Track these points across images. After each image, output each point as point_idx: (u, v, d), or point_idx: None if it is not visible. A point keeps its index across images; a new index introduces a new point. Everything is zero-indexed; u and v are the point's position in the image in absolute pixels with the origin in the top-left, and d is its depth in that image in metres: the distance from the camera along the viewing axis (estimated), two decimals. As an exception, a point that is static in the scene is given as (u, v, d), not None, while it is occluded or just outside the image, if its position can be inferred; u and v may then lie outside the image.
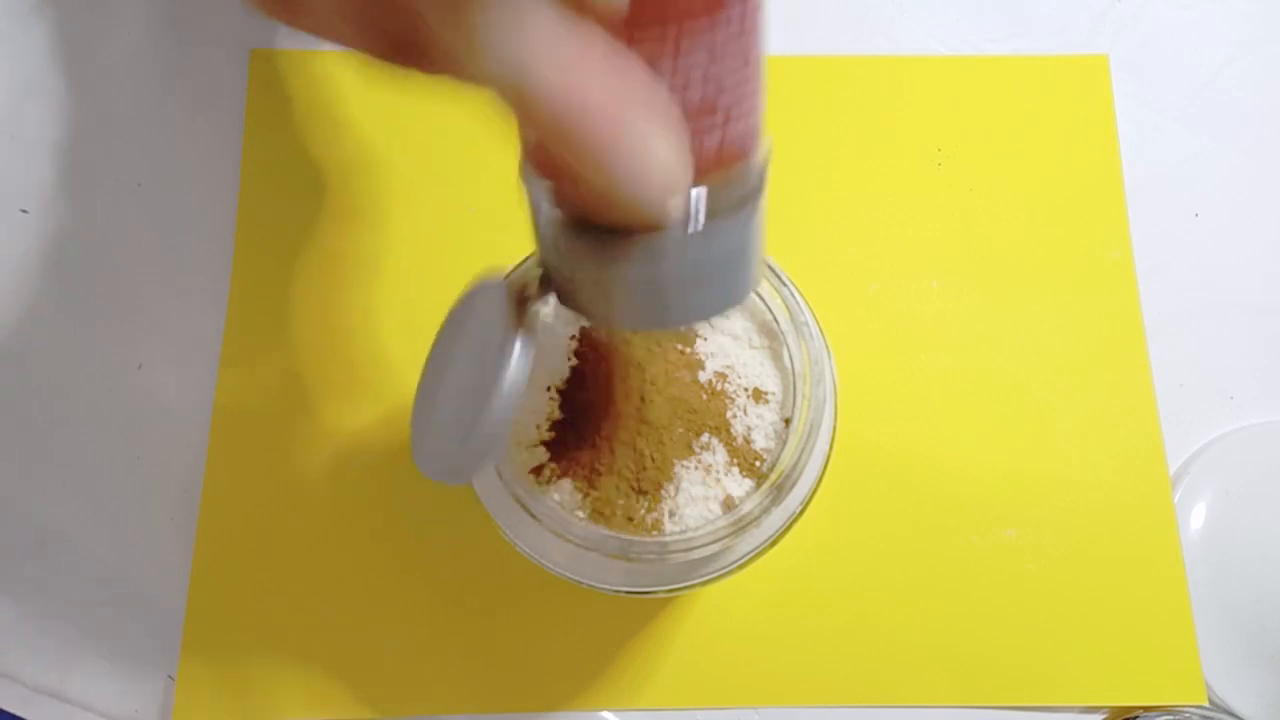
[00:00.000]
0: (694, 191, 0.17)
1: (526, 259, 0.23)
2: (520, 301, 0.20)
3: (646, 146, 0.15)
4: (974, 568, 0.37)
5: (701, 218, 0.18)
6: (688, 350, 0.27)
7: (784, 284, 0.27)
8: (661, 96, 0.16)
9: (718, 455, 0.26)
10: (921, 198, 0.42)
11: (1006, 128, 0.43)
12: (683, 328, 0.27)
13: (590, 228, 0.18)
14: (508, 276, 0.21)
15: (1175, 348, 0.40)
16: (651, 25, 0.16)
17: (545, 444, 0.26)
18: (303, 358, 0.39)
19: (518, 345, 0.19)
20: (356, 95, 0.42)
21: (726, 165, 0.18)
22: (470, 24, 0.14)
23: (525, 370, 0.19)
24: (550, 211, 0.19)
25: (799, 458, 0.26)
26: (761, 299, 0.28)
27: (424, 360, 0.22)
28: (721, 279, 0.20)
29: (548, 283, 0.20)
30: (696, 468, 0.26)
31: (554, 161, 0.18)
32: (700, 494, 0.26)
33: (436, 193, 0.41)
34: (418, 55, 0.17)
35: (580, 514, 0.26)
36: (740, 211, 0.18)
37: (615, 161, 0.15)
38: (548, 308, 0.27)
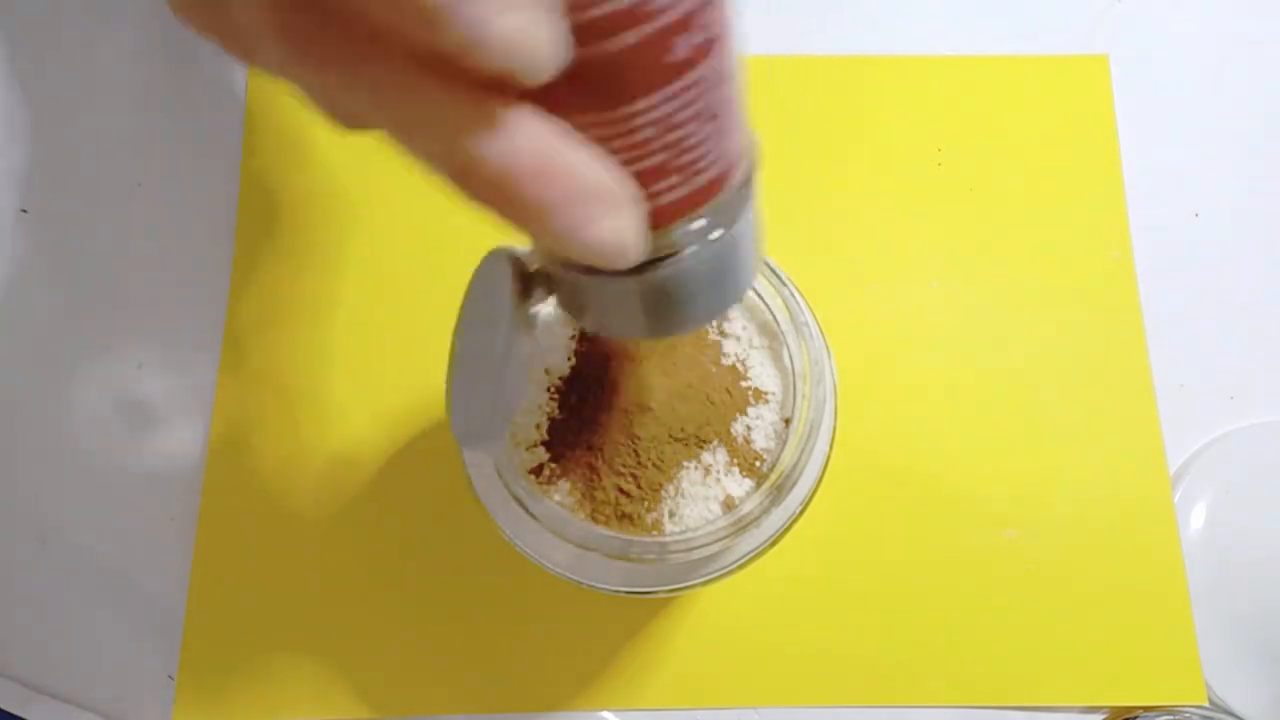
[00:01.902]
0: (677, 226, 0.17)
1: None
2: (524, 289, 0.20)
3: (592, 230, 0.15)
4: (974, 568, 0.37)
5: (686, 248, 0.18)
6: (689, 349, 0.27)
7: (784, 284, 0.27)
8: (605, 177, 0.15)
9: (718, 455, 0.26)
10: (921, 198, 0.42)
11: (1006, 128, 0.43)
12: (682, 335, 0.27)
13: None
14: (515, 255, 0.21)
15: (1175, 348, 0.40)
16: (596, 108, 0.15)
17: (545, 444, 0.26)
18: (303, 357, 0.39)
19: (518, 330, 0.19)
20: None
21: (704, 202, 0.17)
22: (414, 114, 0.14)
23: (524, 354, 0.20)
24: None
25: (799, 458, 0.25)
26: (761, 299, 0.28)
27: (427, 350, 0.22)
28: (719, 284, 0.19)
29: (550, 283, 0.20)
30: (696, 468, 0.26)
31: None
32: (700, 494, 0.26)
33: (440, 191, 0.41)
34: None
35: (580, 514, 0.26)
36: (728, 226, 0.18)
37: (568, 243, 0.15)
38: (548, 307, 0.27)
